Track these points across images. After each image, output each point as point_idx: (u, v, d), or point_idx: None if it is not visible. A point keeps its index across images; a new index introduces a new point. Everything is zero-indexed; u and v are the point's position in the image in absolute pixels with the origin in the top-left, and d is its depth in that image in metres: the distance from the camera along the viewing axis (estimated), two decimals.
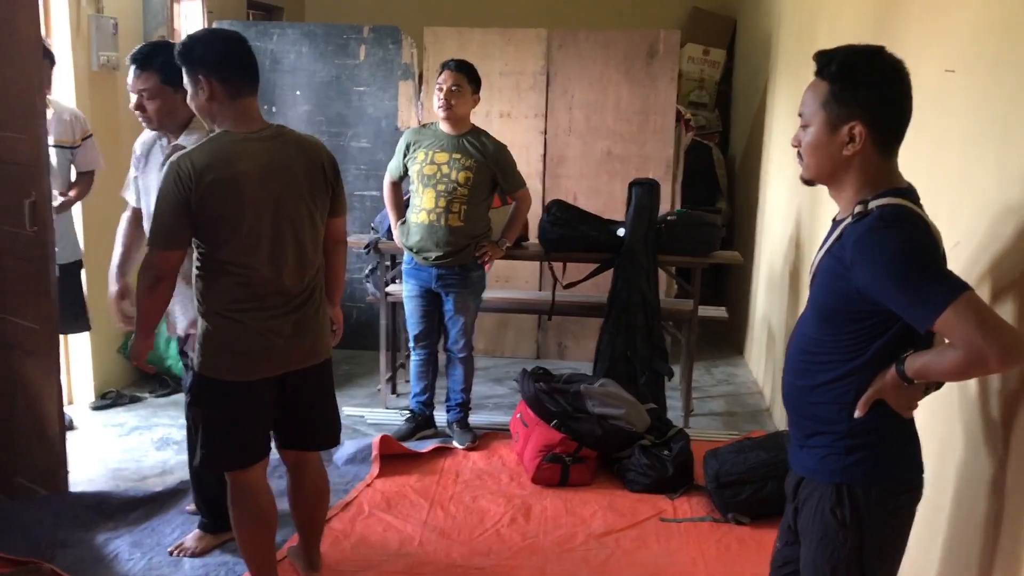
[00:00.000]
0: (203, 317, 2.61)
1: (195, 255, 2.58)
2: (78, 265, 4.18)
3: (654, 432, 3.92)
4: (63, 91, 4.25)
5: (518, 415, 4.11)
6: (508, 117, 5.38)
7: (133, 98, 2.92)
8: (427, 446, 4.13)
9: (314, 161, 2.69)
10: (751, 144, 6.25)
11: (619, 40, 5.27)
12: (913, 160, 2.69)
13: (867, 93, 1.75)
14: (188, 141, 2.79)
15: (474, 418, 4.47)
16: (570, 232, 4.44)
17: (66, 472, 3.46)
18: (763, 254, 5.42)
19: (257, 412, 2.68)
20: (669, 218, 4.45)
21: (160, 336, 4.65)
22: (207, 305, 2.60)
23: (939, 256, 1.74)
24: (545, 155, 5.39)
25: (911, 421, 1.84)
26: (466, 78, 4.03)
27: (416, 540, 3.32)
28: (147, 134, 3.10)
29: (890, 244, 1.67)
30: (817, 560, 1.87)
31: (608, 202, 5.19)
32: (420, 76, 5.57)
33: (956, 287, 1.62)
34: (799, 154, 1.87)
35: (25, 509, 3.24)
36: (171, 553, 3.17)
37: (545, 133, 5.38)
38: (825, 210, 3.80)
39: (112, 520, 3.37)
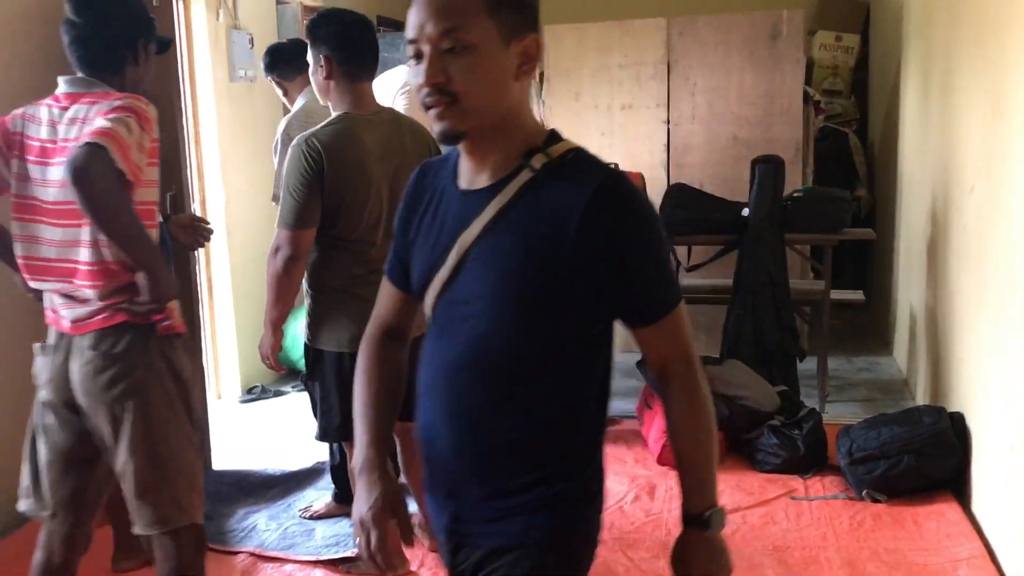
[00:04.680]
0: (318, 293, 2.71)
1: (318, 236, 2.66)
2: None
3: (784, 412, 3.80)
4: (204, 103, 4.55)
5: (643, 398, 4.07)
6: (630, 108, 5.37)
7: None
8: None
9: (423, 144, 2.80)
10: (887, 128, 6.00)
11: (741, 23, 5.18)
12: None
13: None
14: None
15: None
16: (693, 215, 4.38)
17: (209, 451, 3.66)
18: (902, 237, 5.19)
19: None
20: (795, 194, 4.32)
21: (287, 332, 4.88)
22: (323, 281, 2.70)
23: None
24: (669, 144, 5.35)
25: (598, 433, 1.51)
26: None
27: None
28: (284, 120, 3.39)
29: (649, 211, 1.37)
30: None
31: (735, 187, 5.06)
32: (541, 75, 5.64)
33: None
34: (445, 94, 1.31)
35: None
36: (301, 515, 3.35)
37: (668, 122, 5.34)
38: (959, 179, 3.61)
39: (252, 496, 3.55)
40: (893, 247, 5.45)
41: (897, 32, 5.51)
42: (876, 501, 3.33)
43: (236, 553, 3.10)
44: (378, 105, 2.76)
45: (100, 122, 1.97)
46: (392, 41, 5.73)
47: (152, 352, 2.12)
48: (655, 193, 4.71)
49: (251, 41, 4.78)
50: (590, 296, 1.35)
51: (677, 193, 4.46)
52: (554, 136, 1.40)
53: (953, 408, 3.48)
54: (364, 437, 1.52)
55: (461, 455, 1.42)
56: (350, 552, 3.07)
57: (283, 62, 3.60)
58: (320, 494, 3.56)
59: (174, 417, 2.15)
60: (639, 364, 4.06)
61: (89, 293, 2.08)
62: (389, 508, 1.45)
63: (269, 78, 3.65)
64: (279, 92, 3.67)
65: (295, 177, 2.56)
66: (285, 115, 3.71)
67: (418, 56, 1.31)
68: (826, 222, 4.27)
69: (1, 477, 3.23)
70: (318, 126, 2.67)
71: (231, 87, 4.69)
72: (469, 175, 1.41)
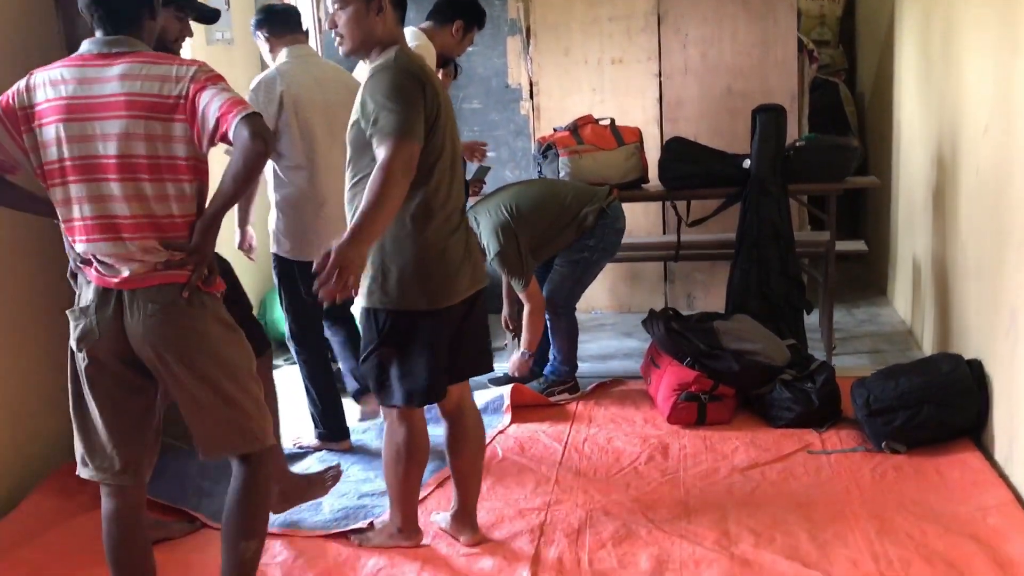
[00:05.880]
0: (402, 247, 2.44)
1: None
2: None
3: (795, 366, 3.72)
4: None
5: (650, 357, 3.98)
6: (620, 63, 5.23)
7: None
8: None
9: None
10: (880, 76, 5.91)
11: None
12: None
13: None
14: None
15: (603, 367, 4.46)
16: (692, 168, 4.27)
17: None
18: (901, 186, 5.11)
19: (450, 339, 2.57)
20: (798, 144, 4.21)
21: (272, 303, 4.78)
22: (410, 232, 2.43)
23: None
24: (661, 99, 5.22)
25: None
26: None
27: (552, 480, 3.24)
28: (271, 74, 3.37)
29: None
30: None
31: (731, 141, 4.94)
32: (528, 30, 5.48)
33: None
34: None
35: (174, 460, 3.30)
36: (294, 443, 3.68)
37: (660, 76, 5.21)
38: (970, 121, 3.52)
39: None
40: (890, 196, 5.38)
41: None
42: (896, 452, 3.25)
43: None
44: None
45: (223, 94, 2.07)
46: None
47: (207, 306, 2.19)
48: (650, 149, 4.59)
49: (227, 3, 4.59)
50: None
51: (676, 146, 4.34)
52: None
53: (969, 355, 3.41)
54: None
55: None
56: (359, 524, 2.97)
57: (275, 21, 3.48)
58: (322, 465, 3.46)
59: (234, 355, 2.23)
60: (644, 322, 3.97)
61: (157, 246, 2.12)
62: None
63: (257, 34, 3.50)
64: (265, 48, 3.52)
65: (396, 91, 2.30)
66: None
67: None
68: (830, 171, 4.17)
69: None
70: (383, 58, 2.41)
71: (209, 50, 4.50)
72: None
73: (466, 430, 2.76)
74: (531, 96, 5.40)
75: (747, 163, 4.17)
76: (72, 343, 2.17)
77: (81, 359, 2.17)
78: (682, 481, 3.17)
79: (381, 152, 2.28)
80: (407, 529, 2.78)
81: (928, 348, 4.25)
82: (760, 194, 4.11)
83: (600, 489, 3.14)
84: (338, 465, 3.24)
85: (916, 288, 4.62)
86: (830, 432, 3.48)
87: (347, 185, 2.52)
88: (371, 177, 2.28)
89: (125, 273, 2.11)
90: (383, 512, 3.04)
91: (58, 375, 3.39)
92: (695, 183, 4.29)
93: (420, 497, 3.12)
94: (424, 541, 2.85)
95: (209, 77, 2.13)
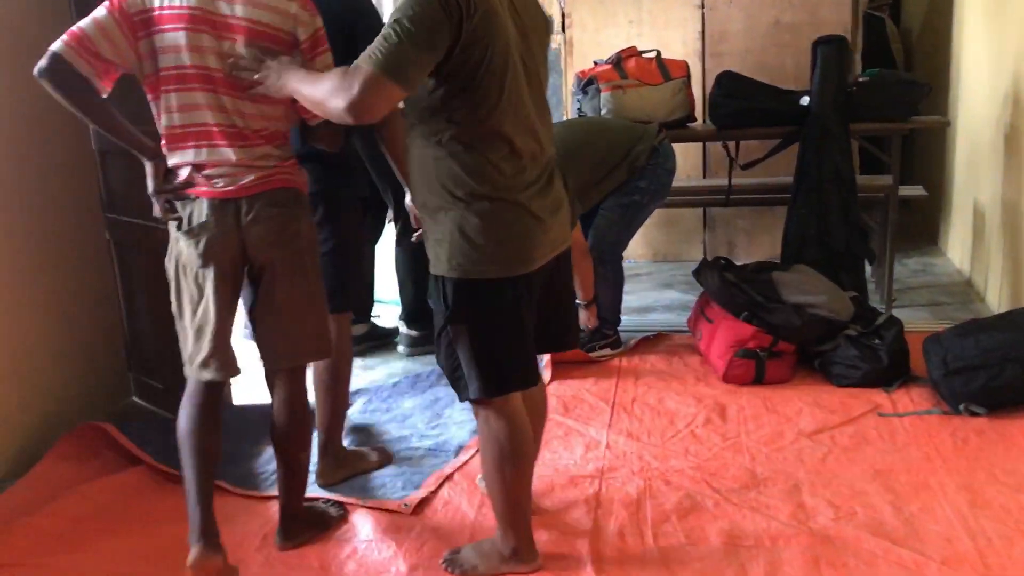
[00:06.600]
0: (465, 206, 2.02)
1: (445, 126, 2.00)
2: None
3: (860, 321, 3.44)
4: None
5: (700, 310, 3.70)
6: None
7: None
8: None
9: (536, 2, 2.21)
10: (934, 9, 5.54)
11: None
12: None
13: None
14: None
15: (643, 320, 4.22)
16: (745, 105, 3.94)
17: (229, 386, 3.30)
18: (960, 127, 4.78)
19: (532, 310, 2.16)
20: (861, 79, 3.88)
21: None
22: (472, 189, 2.01)
23: None
24: (704, 32, 4.88)
25: None
26: None
27: (602, 444, 2.99)
28: None
29: None
30: None
31: (778, 78, 4.60)
32: None
33: None
34: None
35: None
36: None
37: (703, 7, 4.86)
38: None
39: None
40: (946, 139, 5.05)
41: None
42: (974, 415, 2.99)
43: (269, 499, 2.74)
44: None
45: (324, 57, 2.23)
46: None
47: (308, 209, 2.35)
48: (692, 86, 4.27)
49: None
50: None
51: (728, 82, 4.00)
52: None
53: None
54: None
55: None
56: (391, 502, 2.71)
57: None
58: (349, 428, 3.23)
59: (318, 255, 2.40)
60: (696, 272, 3.69)
61: (276, 152, 2.23)
62: None
63: None
64: None
65: (417, 17, 1.83)
66: None
67: None
68: (896, 109, 3.84)
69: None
70: None
71: None
72: None
73: (533, 398, 2.38)
74: (563, 29, 5.07)
75: (806, 100, 3.85)
76: (193, 260, 2.19)
77: (207, 273, 2.19)
78: (745, 446, 2.91)
79: (347, 77, 1.86)
80: (523, 551, 2.30)
81: (993, 300, 3.97)
82: (821, 134, 3.79)
83: (656, 455, 2.89)
84: (384, 447, 3.06)
85: (977, 236, 4.33)
86: (899, 392, 3.22)
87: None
88: (336, 74, 1.92)
89: (248, 179, 2.18)
90: (422, 481, 2.80)
91: (65, 328, 3.18)
92: (748, 121, 3.97)
93: (466, 459, 2.90)
94: (469, 511, 2.61)
95: (316, 40, 2.21)
